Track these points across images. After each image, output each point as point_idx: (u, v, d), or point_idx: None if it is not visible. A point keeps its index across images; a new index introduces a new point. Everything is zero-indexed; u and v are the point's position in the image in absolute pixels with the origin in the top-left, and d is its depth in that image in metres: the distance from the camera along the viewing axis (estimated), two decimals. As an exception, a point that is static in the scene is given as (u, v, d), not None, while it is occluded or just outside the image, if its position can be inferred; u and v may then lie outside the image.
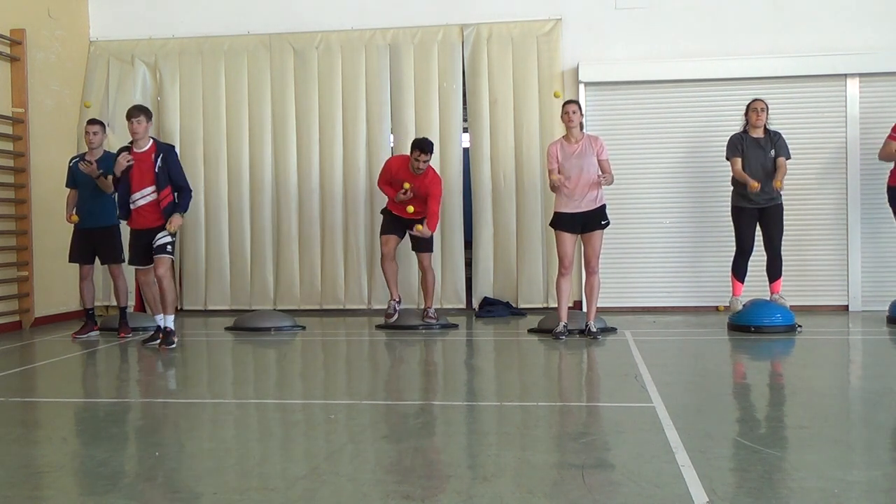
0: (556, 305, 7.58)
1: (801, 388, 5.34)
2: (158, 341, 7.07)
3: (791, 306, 7.94)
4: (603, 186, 7.29)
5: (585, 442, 3.97)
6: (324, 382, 6.02)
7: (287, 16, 9.93)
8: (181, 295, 10.12)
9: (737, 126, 8.23)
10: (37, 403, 5.26)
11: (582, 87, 9.42)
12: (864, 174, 9.14)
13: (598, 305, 7.55)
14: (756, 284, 8.34)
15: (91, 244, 7.78)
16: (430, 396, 5.35)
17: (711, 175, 9.19)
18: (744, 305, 7.88)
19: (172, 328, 7.06)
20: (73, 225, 7.83)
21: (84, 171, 7.49)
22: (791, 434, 4.17)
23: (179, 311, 10.01)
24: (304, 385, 5.89)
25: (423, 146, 7.82)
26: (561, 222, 7.31)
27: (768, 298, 8.01)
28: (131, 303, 8.93)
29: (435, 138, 9.61)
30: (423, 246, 8.11)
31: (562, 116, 7.33)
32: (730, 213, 8.23)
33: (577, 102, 7.43)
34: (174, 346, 6.96)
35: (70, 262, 7.96)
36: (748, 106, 7.89)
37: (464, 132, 9.87)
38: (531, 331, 7.87)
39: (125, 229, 7.49)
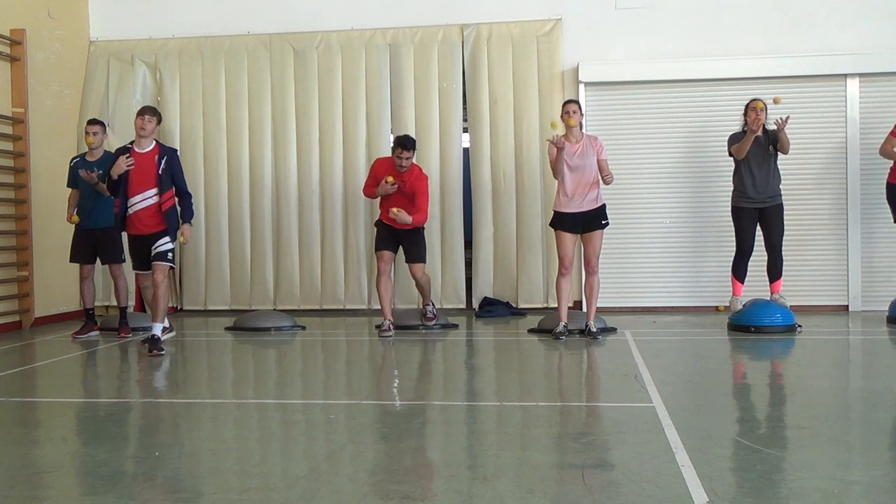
0: (556, 305, 7.58)
1: (801, 388, 5.34)
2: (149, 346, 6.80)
3: (791, 306, 7.94)
4: (601, 186, 7.30)
5: (585, 442, 3.97)
6: (324, 382, 6.02)
7: (287, 16, 9.94)
8: (181, 295, 10.13)
9: (736, 126, 8.22)
10: (37, 403, 5.26)
11: (582, 87, 9.42)
12: (864, 174, 9.14)
13: (598, 305, 7.55)
14: (756, 284, 8.34)
15: (92, 244, 7.77)
16: (430, 396, 5.35)
17: (711, 175, 9.20)
18: (744, 305, 7.88)
19: (160, 335, 6.82)
20: (73, 225, 7.83)
21: (84, 178, 7.47)
22: (791, 434, 4.17)
23: (179, 311, 10.03)
24: (304, 385, 5.89)
25: (405, 143, 7.67)
26: (561, 222, 7.31)
27: (768, 298, 8.01)
28: (131, 303, 8.92)
29: (435, 138, 9.64)
30: (415, 255, 7.89)
31: (562, 116, 7.33)
32: (730, 213, 8.23)
33: (577, 102, 7.43)
34: (164, 352, 6.72)
35: (71, 262, 7.96)
36: (747, 105, 7.89)
37: (464, 132, 9.88)
38: (531, 331, 7.87)
39: (125, 229, 7.46)
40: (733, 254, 8.21)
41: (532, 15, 9.58)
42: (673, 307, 9.41)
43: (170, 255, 6.91)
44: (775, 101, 7.57)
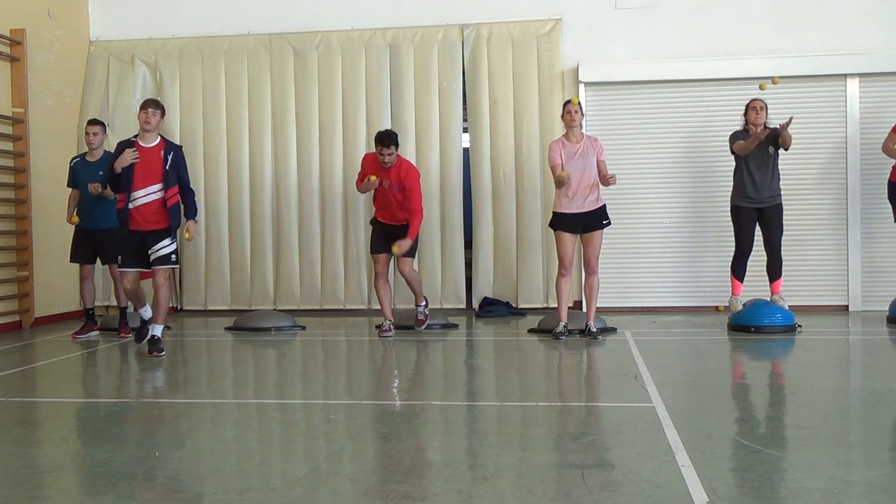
0: (556, 305, 7.58)
1: (801, 388, 5.34)
2: (141, 337, 7.00)
3: (791, 306, 7.93)
4: (601, 187, 7.31)
5: (585, 442, 3.97)
6: (324, 382, 6.02)
7: (287, 16, 9.94)
8: (181, 295, 10.13)
9: (736, 126, 8.21)
10: (37, 403, 5.26)
11: (582, 87, 9.42)
12: (864, 174, 9.14)
13: (598, 305, 7.55)
14: (756, 284, 8.34)
15: (92, 244, 7.77)
16: (430, 396, 5.35)
17: (711, 175, 9.20)
18: (744, 305, 7.87)
19: (160, 336, 6.79)
20: (73, 225, 7.82)
21: (92, 192, 7.44)
22: (791, 434, 4.17)
23: (179, 311, 10.03)
24: (304, 385, 5.89)
25: (382, 139, 7.42)
26: (561, 223, 7.31)
27: (768, 299, 8.00)
28: (131, 303, 8.91)
29: (435, 138, 9.64)
30: (405, 250, 7.58)
31: (563, 116, 7.33)
32: (729, 213, 8.22)
33: (577, 101, 7.42)
34: (164, 353, 6.70)
35: (71, 262, 7.96)
36: (747, 105, 7.88)
37: (464, 132, 9.88)
38: (531, 331, 7.87)
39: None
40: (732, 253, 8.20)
41: (532, 15, 9.58)
42: (673, 307, 9.41)
43: (173, 256, 6.79)
44: (774, 82, 7.49)
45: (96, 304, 8.26)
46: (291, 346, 7.62)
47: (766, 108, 7.78)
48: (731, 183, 8.14)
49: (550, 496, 3.19)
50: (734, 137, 7.94)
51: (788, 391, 5.39)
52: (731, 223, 8.20)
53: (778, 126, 7.62)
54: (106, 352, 7.26)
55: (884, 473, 3.45)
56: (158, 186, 6.66)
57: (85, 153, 7.89)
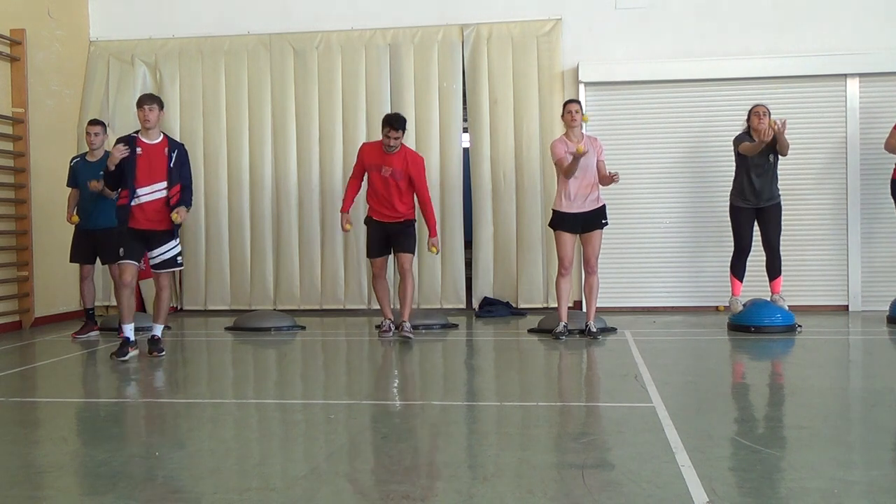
0: (556, 305, 7.58)
1: (801, 388, 5.34)
2: (127, 354, 6.43)
3: (791, 306, 7.93)
4: (600, 187, 7.31)
5: (585, 442, 3.97)
6: (324, 382, 6.01)
7: (287, 16, 9.94)
8: (181, 295, 10.13)
9: (737, 127, 8.21)
10: (37, 403, 5.26)
11: (582, 87, 9.42)
12: (863, 174, 9.14)
13: (598, 305, 7.55)
14: (756, 283, 8.34)
15: (92, 244, 7.77)
16: (430, 396, 5.35)
17: (711, 175, 9.20)
18: (744, 306, 7.87)
19: (160, 336, 6.78)
20: (73, 225, 7.82)
21: (93, 189, 7.41)
22: (791, 434, 4.17)
23: (179, 311, 10.03)
24: (304, 385, 5.89)
25: (392, 122, 7.20)
26: (562, 223, 7.31)
27: (769, 299, 8.00)
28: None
29: (435, 138, 9.64)
30: (405, 246, 7.50)
31: (564, 116, 7.33)
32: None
33: (578, 102, 7.43)
34: (164, 353, 6.70)
35: (71, 262, 7.97)
36: (750, 111, 7.82)
37: (464, 132, 9.88)
38: (531, 331, 7.87)
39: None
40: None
41: (532, 15, 9.58)
42: (673, 307, 9.41)
43: (179, 258, 6.75)
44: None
45: (96, 304, 8.27)
46: (291, 346, 7.62)
47: (769, 113, 7.74)
48: (731, 183, 8.14)
49: (550, 496, 3.19)
50: (739, 140, 7.88)
51: (788, 391, 5.39)
52: (730, 223, 8.20)
53: (772, 130, 7.51)
54: (106, 352, 7.25)
55: (884, 473, 3.45)
56: (163, 185, 6.48)
57: (85, 153, 7.89)
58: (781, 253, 8.03)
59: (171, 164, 6.51)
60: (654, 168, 9.46)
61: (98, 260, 7.90)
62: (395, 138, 7.24)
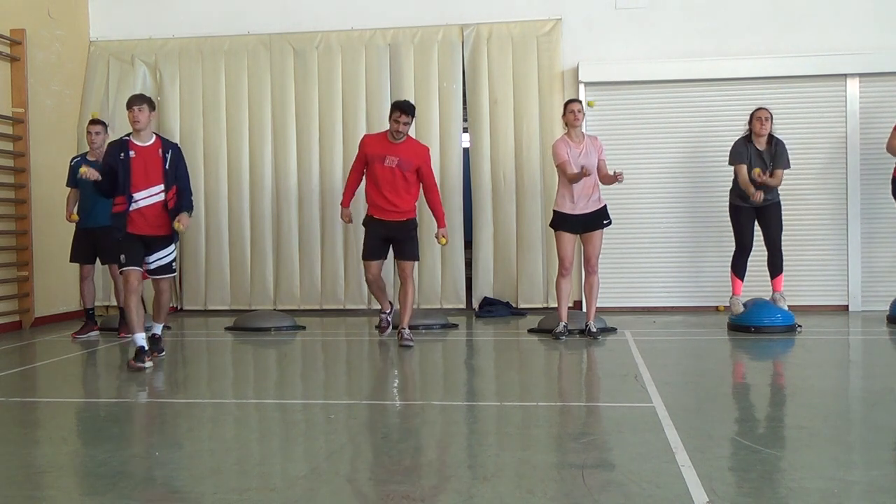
0: (556, 305, 7.58)
1: (801, 388, 5.34)
2: (146, 362, 6.15)
3: (791, 306, 7.92)
4: (601, 187, 7.31)
5: (585, 442, 3.97)
6: (324, 382, 6.02)
7: (287, 16, 9.94)
8: (181, 295, 10.13)
9: (737, 126, 8.19)
10: (37, 403, 5.26)
11: (582, 87, 9.41)
12: (863, 174, 9.13)
13: (598, 305, 7.55)
14: (756, 282, 8.33)
15: (92, 244, 7.76)
16: (430, 396, 5.35)
17: (711, 175, 9.19)
18: (745, 306, 7.86)
19: (161, 335, 6.73)
20: (74, 224, 7.82)
21: (85, 176, 7.32)
22: (791, 434, 4.18)
23: (179, 311, 10.03)
24: (304, 385, 5.89)
25: (402, 107, 7.01)
26: (563, 223, 7.31)
27: (769, 298, 7.99)
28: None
29: (435, 138, 9.63)
30: (408, 253, 7.24)
31: (565, 115, 7.32)
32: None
33: (580, 101, 7.42)
34: (164, 353, 6.67)
35: (71, 261, 7.96)
36: (752, 115, 7.76)
37: (464, 132, 9.88)
38: (531, 331, 7.87)
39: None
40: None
41: (532, 15, 9.58)
42: (673, 307, 9.41)
43: (174, 265, 6.64)
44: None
45: (96, 304, 8.26)
46: (291, 346, 7.62)
47: (772, 117, 7.71)
48: (731, 183, 8.12)
49: (550, 496, 3.19)
50: (736, 153, 7.74)
51: (788, 391, 5.40)
52: (730, 222, 8.19)
53: (757, 179, 7.48)
54: (106, 352, 7.26)
55: (884, 473, 3.45)
56: (160, 188, 6.29)
57: (86, 153, 7.90)
58: (783, 250, 8.02)
59: (167, 166, 6.33)
60: (653, 168, 9.46)
61: (98, 260, 7.89)
62: (405, 123, 7.02)
